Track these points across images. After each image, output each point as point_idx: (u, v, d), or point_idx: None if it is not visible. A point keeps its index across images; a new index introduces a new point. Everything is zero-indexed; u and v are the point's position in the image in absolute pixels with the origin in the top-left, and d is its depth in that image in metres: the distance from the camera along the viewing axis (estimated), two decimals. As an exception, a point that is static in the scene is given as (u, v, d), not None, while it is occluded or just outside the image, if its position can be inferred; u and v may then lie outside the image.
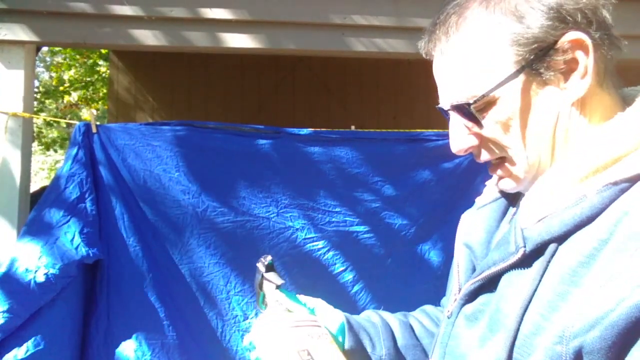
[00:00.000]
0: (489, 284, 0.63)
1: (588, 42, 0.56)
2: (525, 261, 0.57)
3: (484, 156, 0.66)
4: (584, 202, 0.54)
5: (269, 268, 0.88)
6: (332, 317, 0.86)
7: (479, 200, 0.79)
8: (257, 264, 0.89)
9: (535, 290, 0.54)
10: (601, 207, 0.52)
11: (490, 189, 0.78)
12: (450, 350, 0.67)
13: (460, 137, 0.65)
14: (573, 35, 0.57)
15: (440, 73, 0.65)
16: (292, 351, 0.69)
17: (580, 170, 0.55)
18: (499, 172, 0.67)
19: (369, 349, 0.84)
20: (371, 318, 0.90)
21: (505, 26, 0.58)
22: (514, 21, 0.58)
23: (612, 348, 0.46)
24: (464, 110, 0.62)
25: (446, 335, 0.69)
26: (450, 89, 0.64)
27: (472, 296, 0.66)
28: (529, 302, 0.54)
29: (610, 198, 0.52)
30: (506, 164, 0.64)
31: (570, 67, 0.58)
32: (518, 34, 0.58)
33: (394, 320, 0.90)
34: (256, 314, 1.87)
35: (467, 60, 0.61)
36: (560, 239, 0.54)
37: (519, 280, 0.57)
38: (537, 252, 0.56)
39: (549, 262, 0.54)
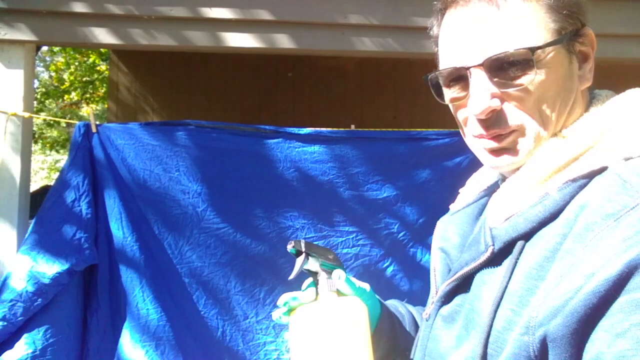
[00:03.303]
0: (464, 285, 0.64)
1: (595, 40, 0.61)
2: (495, 260, 0.59)
3: (497, 124, 0.61)
4: (546, 199, 0.56)
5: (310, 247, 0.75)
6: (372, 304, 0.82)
7: (452, 207, 0.82)
8: (301, 249, 0.75)
9: (506, 287, 0.56)
10: (563, 204, 0.55)
11: (463, 196, 0.81)
12: (429, 352, 0.68)
13: (483, 98, 0.60)
14: (589, 29, 0.61)
15: (484, 26, 0.60)
16: (329, 351, 0.64)
17: (543, 171, 0.58)
18: (504, 143, 0.62)
19: (400, 341, 0.81)
20: (398, 308, 0.88)
21: None
22: None
23: (574, 335, 0.48)
24: (503, 61, 0.58)
25: (425, 338, 0.70)
26: (494, 42, 0.59)
27: (448, 297, 0.67)
28: (501, 298, 0.56)
29: (570, 194, 0.55)
30: (514, 133, 0.61)
31: (583, 56, 0.61)
32: (563, 7, 0.60)
33: (416, 312, 0.90)
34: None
35: (522, 17, 0.59)
36: (527, 236, 0.57)
37: (491, 278, 0.59)
38: (506, 250, 0.58)
39: (517, 259, 0.57)
